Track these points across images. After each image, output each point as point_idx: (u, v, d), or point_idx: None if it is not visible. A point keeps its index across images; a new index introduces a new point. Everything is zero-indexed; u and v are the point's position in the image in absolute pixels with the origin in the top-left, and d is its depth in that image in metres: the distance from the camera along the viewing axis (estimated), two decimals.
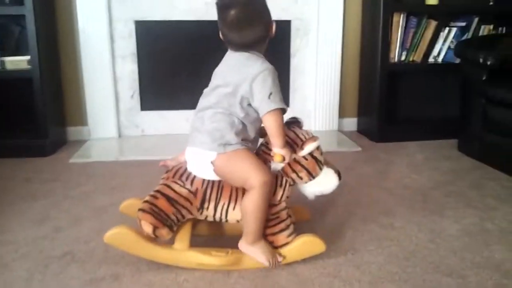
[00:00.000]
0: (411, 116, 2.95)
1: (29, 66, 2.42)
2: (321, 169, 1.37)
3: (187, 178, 1.35)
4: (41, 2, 2.43)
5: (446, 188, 1.99)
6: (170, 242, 1.34)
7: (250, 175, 1.27)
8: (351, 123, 3.01)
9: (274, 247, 1.36)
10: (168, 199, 1.31)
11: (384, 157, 2.44)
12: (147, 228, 1.28)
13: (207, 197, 1.34)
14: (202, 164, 1.33)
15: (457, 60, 2.64)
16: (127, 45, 2.73)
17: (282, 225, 1.36)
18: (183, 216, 1.33)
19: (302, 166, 1.34)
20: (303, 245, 1.37)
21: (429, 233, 1.57)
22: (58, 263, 1.38)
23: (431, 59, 2.77)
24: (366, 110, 2.88)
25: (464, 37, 2.71)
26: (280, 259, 1.34)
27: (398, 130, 2.77)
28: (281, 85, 1.31)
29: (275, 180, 1.35)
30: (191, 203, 1.33)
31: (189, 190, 1.33)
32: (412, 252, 1.45)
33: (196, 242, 1.38)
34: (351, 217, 1.70)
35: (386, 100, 2.71)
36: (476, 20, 2.71)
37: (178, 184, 1.34)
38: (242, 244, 1.34)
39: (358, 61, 2.91)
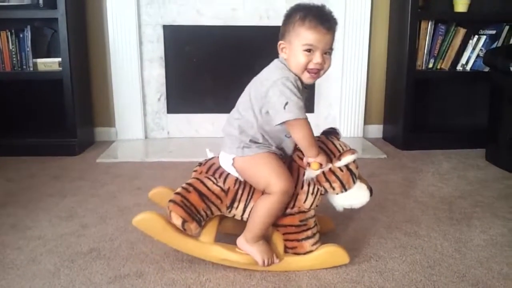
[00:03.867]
0: (437, 124, 2.92)
1: (60, 68, 2.49)
2: (354, 182, 1.35)
3: (220, 176, 1.36)
4: (73, 6, 2.51)
5: (473, 198, 1.95)
6: (196, 235, 1.35)
7: (272, 181, 1.27)
8: (376, 130, 2.99)
9: (297, 254, 1.36)
10: (200, 194, 1.32)
11: (410, 165, 2.41)
12: (177, 221, 1.29)
13: (238, 197, 1.34)
14: (228, 167, 1.34)
15: (486, 69, 2.60)
16: (155, 49, 2.78)
17: (309, 233, 1.36)
18: (212, 213, 1.34)
19: (337, 177, 1.32)
20: (326, 255, 1.37)
21: (455, 243, 1.54)
22: (84, 259, 1.40)
23: (459, 67, 2.73)
24: (392, 117, 2.85)
25: (494, 46, 2.66)
26: (276, 260, 1.34)
27: (424, 138, 2.73)
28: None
29: (307, 187, 1.34)
30: (222, 201, 1.34)
31: (222, 188, 1.34)
32: (437, 260, 1.42)
33: (220, 239, 1.39)
34: (375, 223, 1.68)
35: (413, 107, 2.68)
36: (506, 28, 2.66)
37: (211, 180, 1.35)
38: (241, 241, 1.34)
39: (384, 67, 2.90)
